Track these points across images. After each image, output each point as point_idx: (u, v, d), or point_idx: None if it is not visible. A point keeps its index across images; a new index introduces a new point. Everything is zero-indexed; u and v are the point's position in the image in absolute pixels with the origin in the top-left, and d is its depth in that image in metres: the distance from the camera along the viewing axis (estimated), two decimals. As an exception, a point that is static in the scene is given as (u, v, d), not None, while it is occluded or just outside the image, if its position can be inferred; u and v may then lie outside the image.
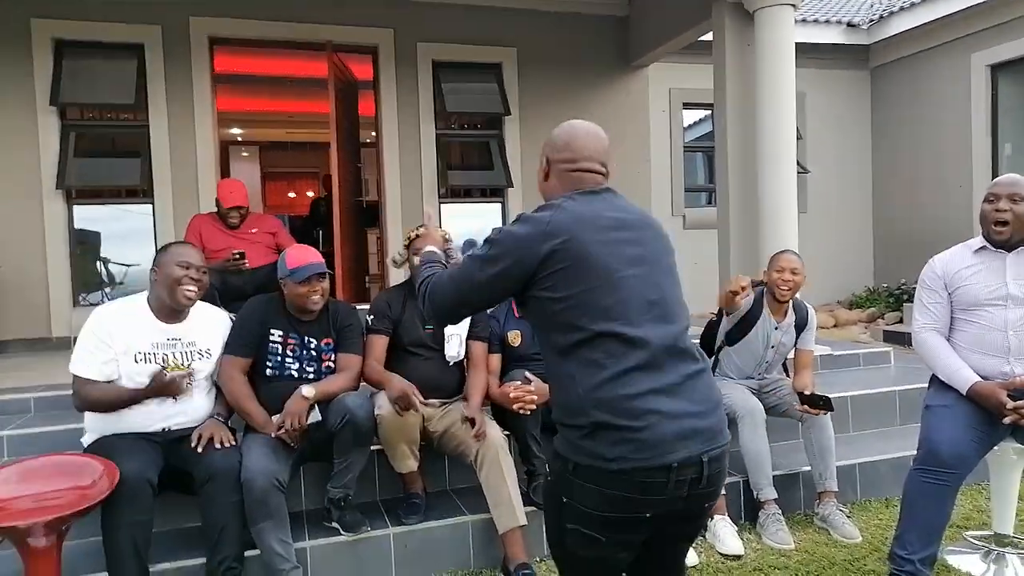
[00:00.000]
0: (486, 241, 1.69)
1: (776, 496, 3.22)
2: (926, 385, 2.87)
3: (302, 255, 2.92)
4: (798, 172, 5.06)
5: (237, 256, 4.08)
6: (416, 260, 3.03)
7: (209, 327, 2.84)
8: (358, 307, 3.22)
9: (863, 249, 9.16)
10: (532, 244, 1.60)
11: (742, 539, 3.10)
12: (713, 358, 3.52)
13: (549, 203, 1.69)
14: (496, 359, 3.24)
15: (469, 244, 6.66)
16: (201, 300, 2.85)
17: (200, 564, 2.63)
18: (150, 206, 5.75)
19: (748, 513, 3.32)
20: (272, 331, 2.92)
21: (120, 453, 2.45)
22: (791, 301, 3.41)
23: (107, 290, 5.65)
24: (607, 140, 1.81)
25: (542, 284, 1.61)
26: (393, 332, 3.10)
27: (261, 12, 5.89)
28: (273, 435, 2.73)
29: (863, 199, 9.17)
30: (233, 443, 2.70)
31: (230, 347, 2.87)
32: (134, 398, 2.61)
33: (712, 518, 3.11)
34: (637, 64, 6.98)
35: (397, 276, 5.58)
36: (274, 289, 3.06)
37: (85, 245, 5.66)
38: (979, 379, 2.61)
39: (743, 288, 3.16)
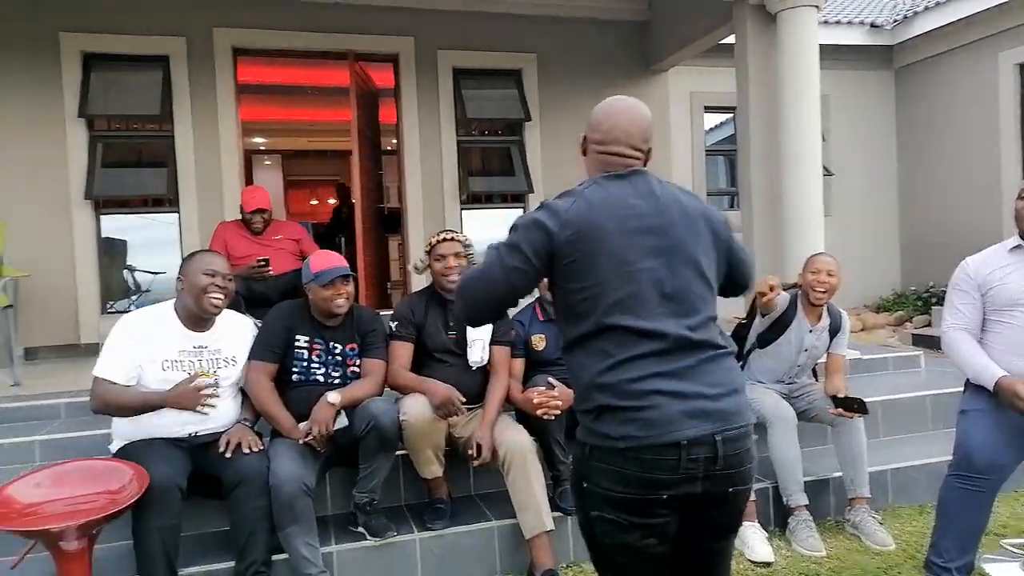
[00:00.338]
0: (509, 230, 1.70)
1: (807, 502, 3.17)
2: (959, 389, 2.81)
3: (326, 259, 2.95)
4: (823, 175, 5.00)
5: (262, 263, 4.10)
6: (437, 266, 3.06)
7: (235, 334, 2.86)
8: (380, 313, 3.22)
9: (890, 252, 9.03)
10: (548, 233, 1.61)
11: (772, 546, 3.06)
12: (742, 362, 3.48)
13: (571, 190, 1.69)
14: (519, 364, 3.23)
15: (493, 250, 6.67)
16: (227, 307, 2.87)
17: (229, 568, 2.64)
18: (176, 215, 5.82)
19: (778, 520, 3.27)
20: (298, 337, 2.93)
21: (149, 458, 2.46)
22: (826, 305, 3.36)
23: (134, 298, 5.72)
24: (646, 119, 1.76)
25: (559, 274, 1.63)
26: (416, 338, 3.10)
27: (284, 22, 5.95)
28: (301, 442, 2.74)
29: (888, 201, 9.05)
30: (261, 448, 2.72)
31: (256, 353, 2.89)
32: (148, 403, 2.59)
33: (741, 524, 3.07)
34: (657, 68, 6.96)
35: (419, 283, 5.59)
36: (299, 295, 3.08)
37: (112, 254, 5.74)
38: (1006, 373, 2.49)
39: (772, 288, 3.11)
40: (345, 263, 2.97)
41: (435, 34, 6.34)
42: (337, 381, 2.94)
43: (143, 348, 2.62)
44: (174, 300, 2.77)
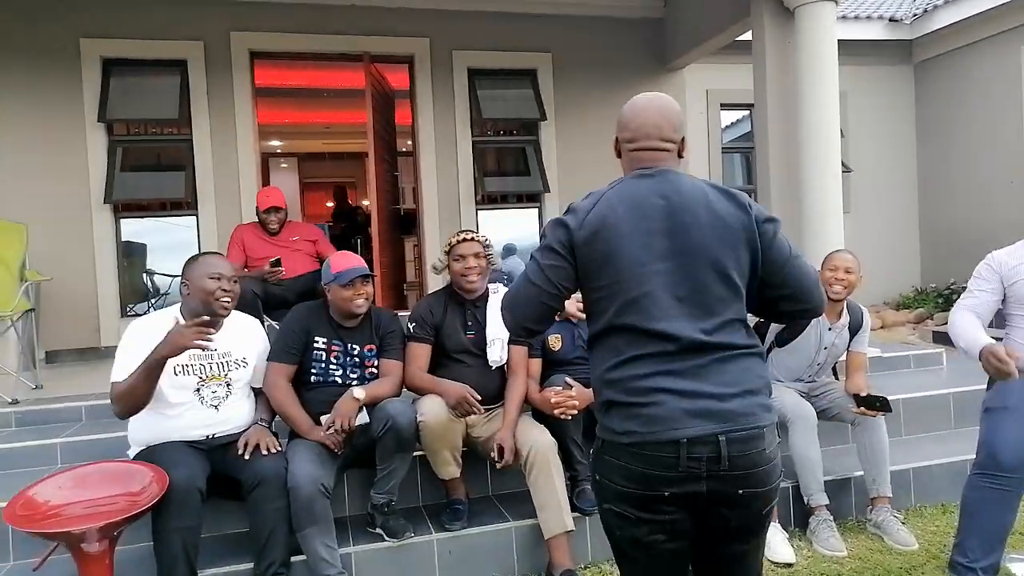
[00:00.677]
0: (540, 238, 1.74)
1: (827, 502, 3.14)
2: (981, 387, 2.77)
3: (346, 260, 2.97)
4: (841, 171, 4.95)
5: (274, 265, 4.12)
6: (457, 266, 3.06)
7: (243, 335, 2.85)
8: (397, 314, 3.23)
9: (909, 249, 8.93)
10: (569, 230, 1.65)
11: (793, 546, 3.03)
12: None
13: (596, 191, 1.70)
14: (536, 363, 3.22)
15: (508, 250, 6.68)
16: (242, 309, 2.88)
17: (248, 569, 2.65)
18: (194, 218, 5.87)
19: (799, 519, 3.24)
20: (316, 338, 2.95)
21: (169, 460, 2.48)
22: (846, 303, 3.32)
23: (153, 301, 5.78)
24: (673, 111, 1.73)
25: (581, 272, 1.66)
26: (435, 339, 3.11)
27: (299, 25, 5.99)
28: (322, 433, 2.76)
29: (908, 197, 8.94)
30: (278, 449, 2.73)
31: (275, 354, 2.91)
32: (149, 368, 2.45)
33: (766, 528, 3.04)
34: (673, 66, 6.92)
35: (435, 283, 5.60)
36: (316, 297, 3.09)
37: (132, 257, 5.81)
38: (993, 342, 2.39)
39: None
40: (364, 264, 2.99)
41: (450, 35, 6.35)
42: (355, 382, 2.95)
43: (149, 349, 2.56)
44: (180, 304, 2.76)
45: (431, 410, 2.85)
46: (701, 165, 8.09)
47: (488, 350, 3.08)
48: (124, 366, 2.56)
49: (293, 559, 2.65)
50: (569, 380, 3.01)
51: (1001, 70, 7.81)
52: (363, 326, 3.03)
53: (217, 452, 2.69)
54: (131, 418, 2.62)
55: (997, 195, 7.85)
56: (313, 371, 2.94)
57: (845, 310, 3.34)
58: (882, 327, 7.78)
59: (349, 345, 2.99)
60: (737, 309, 1.62)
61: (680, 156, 1.75)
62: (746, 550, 1.66)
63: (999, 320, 2.70)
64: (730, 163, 8.87)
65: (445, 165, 6.44)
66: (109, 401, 2.59)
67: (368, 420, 2.84)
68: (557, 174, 6.64)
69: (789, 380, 3.41)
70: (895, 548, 3.03)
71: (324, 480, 2.65)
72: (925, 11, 8.44)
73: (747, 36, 5.55)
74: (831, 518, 3.11)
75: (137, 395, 2.50)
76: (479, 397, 2.92)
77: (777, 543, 2.99)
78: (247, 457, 2.66)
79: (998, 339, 2.51)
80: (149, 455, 2.57)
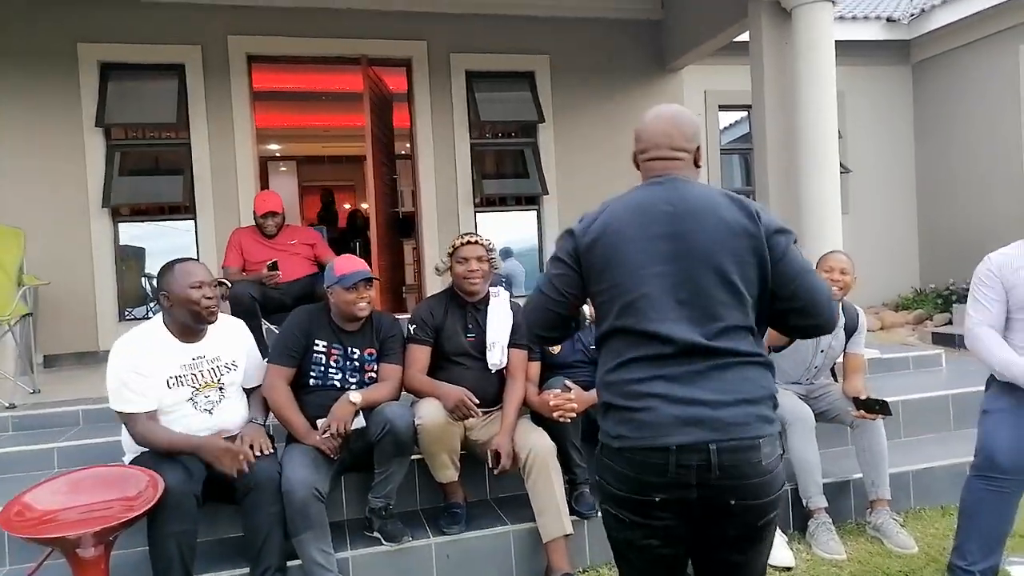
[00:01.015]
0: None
1: (826, 504, 3.13)
2: (980, 388, 2.76)
3: (350, 263, 2.98)
4: (840, 172, 4.95)
5: (271, 268, 4.12)
6: (459, 268, 3.06)
7: (229, 338, 2.82)
8: (397, 317, 3.23)
9: (908, 249, 8.92)
10: (573, 237, 1.71)
11: (792, 549, 3.02)
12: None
13: (608, 199, 1.73)
14: (535, 367, 3.22)
15: (506, 253, 6.67)
16: (239, 312, 2.88)
17: (243, 573, 2.65)
18: (192, 222, 5.86)
19: (797, 522, 3.23)
20: (316, 341, 2.95)
21: (164, 465, 2.47)
22: (841, 304, 3.31)
23: (151, 305, 5.77)
24: (685, 121, 1.74)
25: (587, 277, 1.70)
26: (435, 341, 3.10)
27: (297, 29, 5.98)
28: (318, 437, 2.75)
29: (907, 198, 8.94)
30: (272, 451, 2.73)
31: (275, 356, 2.91)
32: (182, 447, 2.55)
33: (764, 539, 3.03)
34: (672, 67, 6.92)
35: (434, 286, 5.60)
36: (313, 300, 3.08)
37: (130, 261, 5.80)
38: None
39: None
40: (368, 268, 2.99)
41: (447, 37, 6.35)
42: (354, 386, 2.95)
43: (145, 369, 2.56)
44: (161, 315, 2.70)
45: (429, 413, 2.84)
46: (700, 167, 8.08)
47: (488, 353, 3.08)
48: (125, 396, 2.53)
49: (289, 564, 2.64)
50: (568, 383, 3.01)
51: (999, 70, 7.81)
52: (364, 330, 3.03)
53: (213, 456, 2.68)
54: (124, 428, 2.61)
55: (996, 195, 7.85)
56: (312, 374, 2.94)
57: (841, 311, 3.33)
58: (881, 328, 7.78)
59: (349, 349, 2.99)
60: (742, 316, 1.60)
61: (697, 165, 1.76)
62: (744, 560, 1.64)
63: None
64: (728, 164, 8.87)
65: (443, 168, 6.44)
66: (115, 412, 2.59)
67: (364, 424, 2.83)
68: (555, 176, 6.64)
69: (786, 383, 3.40)
70: (894, 551, 3.02)
71: (319, 485, 2.64)
72: (922, 11, 8.44)
73: (745, 37, 5.55)
74: (830, 521, 3.10)
75: (158, 449, 2.55)
76: (477, 401, 2.91)
77: (776, 546, 2.97)
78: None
79: None
80: (144, 459, 2.56)
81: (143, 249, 5.86)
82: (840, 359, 3.46)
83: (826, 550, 3.00)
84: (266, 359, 3.03)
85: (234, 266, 4.37)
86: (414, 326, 3.08)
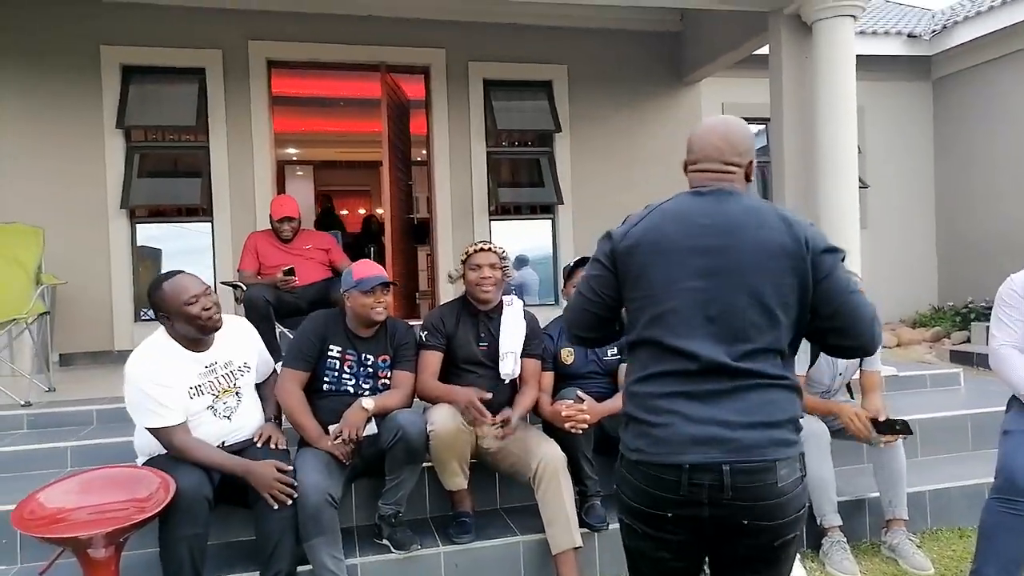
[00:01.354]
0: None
1: (840, 523, 3.08)
2: (1000, 408, 2.72)
3: (368, 267, 2.99)
4: (858, 187, 4.91)
5: (287, 273, 4.13)
6: (472, 275, 3.05)
7: (238, 340, 2.81)
8: (411, 323, 3.23)
9: (926, 266, 8.83)
10: (613, 245, 1.71)
11: (805, 568, 2.97)
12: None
13: (652, 204, 1.72)
14: (549, 377, 3.20)
15: (521, 261, 6.67)
16: (254, 316, 2.87)
17: (254, 578, 2.64)
18: (209, 224, 5.90)
19: (811, 540, 3.19)
20: (331, 346, 2.95)
21: (177, 467, 2.47)
22: None
23: (167, 306, 5.78)
24: (737, 135, 1.71)
25: (622, 283, 1.70)
26: (447, 349, 3.09)
27: (317, 35, 6.02)
28: (330, 443, 2.75)
29: (925, 214, 8.86)
30: (286, 448, 2.76)
31: (289, 360, 2.92)
32: (218, 464, 2.56)
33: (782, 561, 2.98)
34: (690, 80, 6.91)
35: (448, 293, 5.60)
36: (328, 305, 3.08)
37: (147, 262, 5.84)
38: None
39: None
40: (385, 273, 3.00)
41: (466, 46, 6.37)
42: (367, 392, 2.95)
43: (168, 381, 2.54)
44: (164, 329, 2.65)
45: (441, 419, 2.83)
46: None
47: (501, 363, 3.06)
48: (155, 411, 2.50)
49: (299, 569, 2.63)
50: (581, 394, 2.99)
51: (1021, 86, 7.73)
52: (378, 336, 3.03)
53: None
54: (139, 429, 2.61)
55: (1016, 213, 7.76)
56: (326, 379, 2.94)
57: None
58: (898, 345, 7.69)
59: (363, 355, 2.99)
60: (772, 338, 1.57)
61: (748, 179, 1.73)
62: None
63: None
64: (745, 177, 8.82)
65: (459, 175, 6.45)
66: (148, 431, 2.57)
67: (377, 431, 2.82)
68: (571, 186, 6.63)
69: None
70: (910, 572, 2.97)
71: (332, 490, 2.63)
72: (944, 27, 8.38)
73: (764, 50, 5.53)
74: (844, 540, 3.05)
75: (195, 461, 2.54)
76: (488, 396, 2.88)
77: (789, 564, 2.94)
78: (260, 446, 2.69)
79: None
80: (158, 460, 2.56)
81: (160, 250, 5.90)
82: (856, 375, 3.41)
83: (840, 569, 2.96)
84: (279, 362, 3.04)
85: (249, 269, 4.39)
86: (426, 332, 3.08)
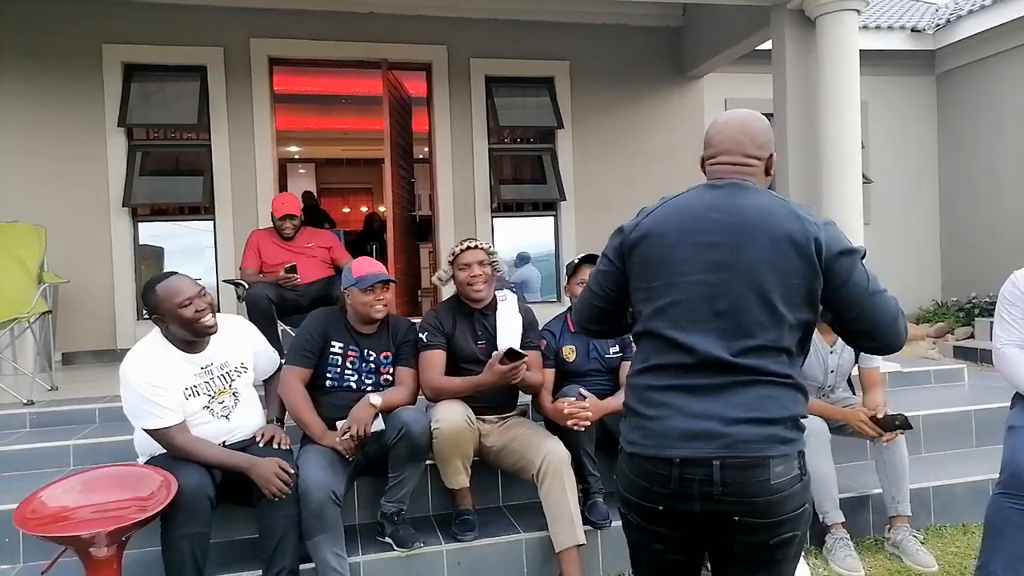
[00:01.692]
0: None
1: (843, 519, 3.07)
2: (1005, 404, 2.71)
3: (368, 265, 2.99)
4: (862, 182, 4.89)
5: (289, 271, 4.13)
6: (462, 275, 3.04)
7: (234, 340, 2.79)
8: (413, 320, 3.22)
9: (930, 261, 8.80)
10: (623, 238, 1.70)
11: (809, 564, 2.97)
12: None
13: (667, 196, 1.71)
14: (550, 374, 3.19)
15: (523, 259, 6.66)
16: (255, 314, 2.86)
17: (256, 575, 2.64)
18: (211, 222, 5.90)
19: (814, 537, 3.17)
20: (333, 343, 2.96)
21: (179, 466, 2.47)
22: None
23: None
24: (756, 128, 1.69)
25: (629, 274, 1.69)
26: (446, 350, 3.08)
27: (319, 32, 6.01)
28: (338, 439, 2.75)
29: (929, 209, 8.82)
30: (288, 447, 2.76)
31: (291, 357, 2.93)
32: (220, 460, 2.56)
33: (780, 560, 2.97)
34: (692, 75, 6.88)
35: (449, 291, 5.59)
36: (330, 302, 3.08)
37: (149, 261, 5.84)
38: None
39: None
40: (385, 270, 3.00)
41: (468, 42, 6.35)
42: (369, 388, 2.96)
43: (164, 382, 2.53)
44: (159, 331, 2.63)
45: (446, 417, 2.82)
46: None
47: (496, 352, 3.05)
48: (153, 411, 2.49)
49: (302, 567, 2.63)
50: (583, 391, 2.98)
51: (1026, 81, 7.69)
52: (380, 333, 3.03)
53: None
54: (138, 429, 2.61)
55: (1021, 208, 7.72)
56: (328, 376, 2.95)
57: None
58: (901, 341, 7.65)
59: (365, 351, 2.99)
60: (776, 336, 1.54)
61: (768, 173, 1.71)
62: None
63: None
64: (748, 173, 8.79)
65: (461, 172, 6.44)
66: (146, 432, 2.56)
67: (383, 427, 2.82)
68: (573, 182, 6.61)
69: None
70: (914, 569, 2.96)
71: (335, 488, 2.63)
72: (948, 21, 8.34)
73: (767, 45, 5.50)
74: (848, 536, 3.04)
75: (203, 463, 2.53)
76: (507, 363, 2.81)
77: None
78: (262, 445, 2.69)
79: None
80: (160, 459, 2.56)
81: (162, 249, 5.91)
82: (855, 371, 3.40)
83: (844, 566, 2.95)
84: (282, 360, 3.04)
85: (251, 267, 4.40)
86: (426, 333, 3.04)
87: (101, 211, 5.63)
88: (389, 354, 3.03)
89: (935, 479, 3.46)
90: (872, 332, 1.62)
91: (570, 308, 3.29)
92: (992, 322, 2.76)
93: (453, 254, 3.09)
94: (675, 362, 1.56)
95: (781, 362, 1.55)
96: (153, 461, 2.58)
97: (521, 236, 6.65)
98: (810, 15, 4.89)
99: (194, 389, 2.61)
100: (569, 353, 3.23)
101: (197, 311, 2.55)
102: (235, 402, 2.72)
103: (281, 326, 4.27)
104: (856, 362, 3.34)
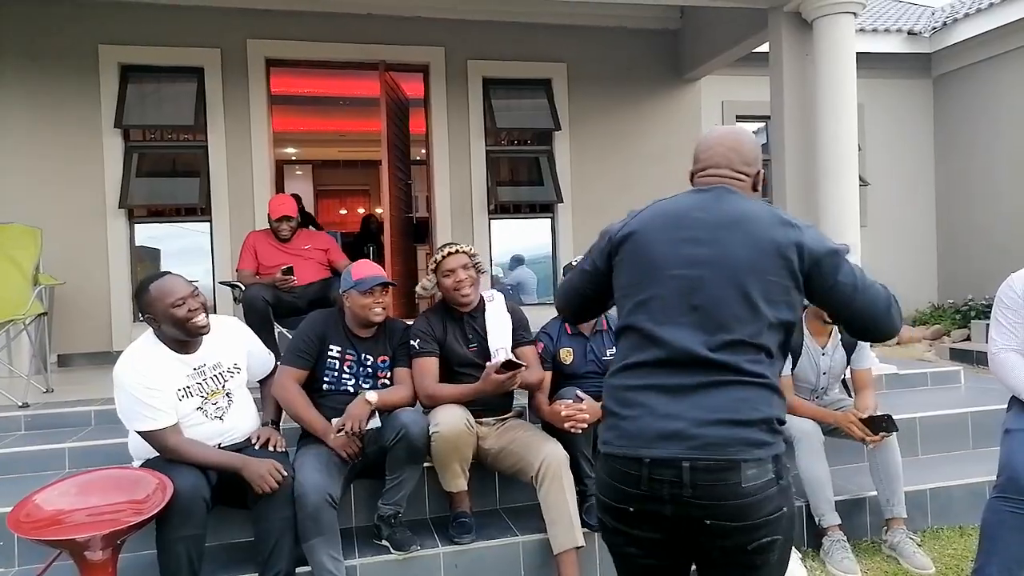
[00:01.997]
0: None
1: (839, 522, 3.07)
2: (1001, 407, 2.71)
3: (367, 268, 2.99)
4: (858, 185, 4.90)
5: (286, 272, 4.12)
6: (447, 282, 3.03)
7: (228, 340, 2.78)
8: (409, 323, 3.21)
9: (926, 264, 8.82)
10: (609, 234, 1.73)
11: (806, 567, 2.96)
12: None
13: (656, 199, 1.73)
14: (547, 377, 3.19)
15: (517, 260, 6.65)
16: (252, 316, 2.86)
17: (252, 579, 2.63)
18: (208, 224, 5.89)
19: (811, 539, 3.18)
20: (331, 346, 2.95)
21: (174, 468, 2.46)
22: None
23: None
24: (744, 145, 1.74)
25: (613, 272, 1.72)
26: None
27: (316, 34, 6.01)
28: (332, 436, 2.75)
29: (925, 212, 8.85)
30: (284, 449, 2.76)
31: (288, 358, 2.92)
32: (214, 461, 2.55)
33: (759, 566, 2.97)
34: (689, 77, 6.89)
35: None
36: (326, 304, 3.08)
37: (145, 262, 5.82)
38: None
39: None
40: (385, 273, 3.00)
41: (465, 44, 6.35)
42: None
43: (157, 384, 2.53)
44: (152, 332, 2.63)
45: (446, 420, 2.81)
46: (716, 177, 8.04)
47: (494, 359, 3.04)
48: (146, 413, 2.48)
49: (298, 570, 2.62)
50: (580, 393, 2.97)
51: (1022, 84, 7.71)
52: (378, 337, 3.03)
53: (224, 460, 2.67)
54: (133, 432, 2.59)
55: (1017, 210, 7.75)
56: (326, 379, 2.94)
57: (835, 329, 3.27)
58: (897, 343, 7.68)
59: (363, 355, 2.99)
60: (754, 330, 1.54)
61: (755, 189, 1.75)
62: None
63: None
64: (745, 175, 8.80)
65: (458, 174, 6.44)
66: (138, 434, 2.55)
67: (380, 425, 2.82)
68: (570, 184, 6.61)
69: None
70: (911, 571, 2.96)
71: (331, 490, 2.62)
72: (944, 24, 8.37)
73: (764, 48, 5.52)
74: (845, 539, 3.04)
75: (195, 464, 2.52)
76: (505, 369, 2.83)
77: (791, 564, 2.92)
78: (258, 447, 2.68)
79: None
80: (155, 462, 2.55)
81: (158, 250, 5.89)
82: (848, 373, 3.40)
83: (841, 568, 2.95)
84: (279, 362, 3.03)
85: (248, 269, 4.38)
86: (417, 340, 3.03)
87: (97, 212, 5.61)
88: (386, 358, 3.03)
89: (932, 481, 3.46)
90: (869, 324, 1.68)
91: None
92: (988, 324, 2.76)
93: (436, 262, 3.09)
94: (650, 359, 1.56)
95: (758, 361, 1.54)
96: (148, 464, 2.56)
97: (518, 238, 6.65)
98: (807, 18, 4.90)
99: (187, 390, 2.61)
100: (566, 355, 3.23)
101: (190, 311, 2.55)
102: (228, 403, 2.71)
103: (278, 328, 4.26)
104: (848, 364, 3.34)
